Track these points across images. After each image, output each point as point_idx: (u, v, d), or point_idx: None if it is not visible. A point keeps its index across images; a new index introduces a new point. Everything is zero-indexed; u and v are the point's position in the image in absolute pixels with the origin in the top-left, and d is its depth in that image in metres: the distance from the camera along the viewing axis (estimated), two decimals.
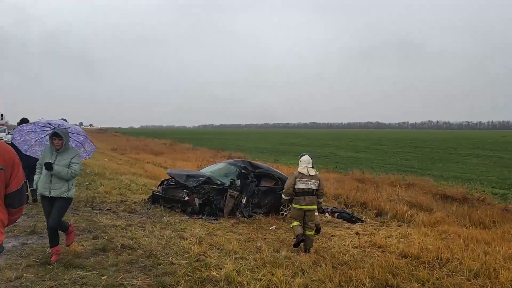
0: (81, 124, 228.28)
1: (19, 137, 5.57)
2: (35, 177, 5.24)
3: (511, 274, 5.54)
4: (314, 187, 7.08)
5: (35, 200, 8.71)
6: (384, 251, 7.06)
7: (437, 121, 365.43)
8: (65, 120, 5.99)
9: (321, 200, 7.37)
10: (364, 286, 5.01)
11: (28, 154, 5.74)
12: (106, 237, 6.32)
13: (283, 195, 7.38)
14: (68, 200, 5.27)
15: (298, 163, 7.42)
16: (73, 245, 5.61)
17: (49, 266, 4.79)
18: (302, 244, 7.00)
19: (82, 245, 5.80)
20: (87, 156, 6.07)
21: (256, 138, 72.73)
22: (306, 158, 7.31)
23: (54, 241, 5.12)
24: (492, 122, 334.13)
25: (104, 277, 4.66)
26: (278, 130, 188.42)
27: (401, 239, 7.88)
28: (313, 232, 7.20)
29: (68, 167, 5.12)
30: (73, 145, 5.74)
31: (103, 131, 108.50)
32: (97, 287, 4.31)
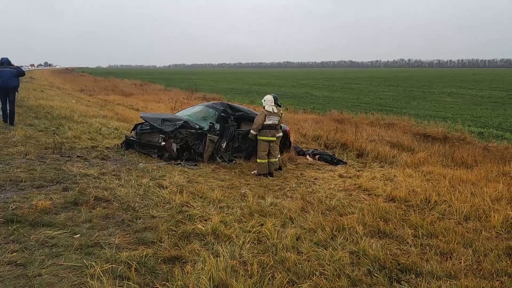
0: (46, 64, 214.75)
1: None
2: None
3: (502, 216, 5.45)
4: (277, 122, 8.39)
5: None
6: (370, 194, 6.90)
7: (409, 60, 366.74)
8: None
9: (280, 134, 8.66)
10: (357, 234, 4.78)
11: None
12: (78, 188, 5.76)
13: (252, 130, 8.42)
14: None
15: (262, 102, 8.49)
16: (41, 200, 5.06)
17: (13, 226, 4.26)
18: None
19: (51, 199, 5.25)
20: None
21: (230, 78, 71.23)
22: (270, 97, 8.47)
23: None
24: (462, 60, 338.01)
25: (77, 235, 4.20)
26: (252, 70, 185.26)
27: (386, 181, 7.73)
28: (276, 160, 8.46)
29: None
30: None
31: (69, 71, 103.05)
32: (69, 249, 3.85)
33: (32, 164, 7.15)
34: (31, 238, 4.03)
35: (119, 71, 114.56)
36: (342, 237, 4.69)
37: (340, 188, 7.27)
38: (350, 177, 8.24)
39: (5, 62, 11.21)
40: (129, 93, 30.74)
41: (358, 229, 4.91)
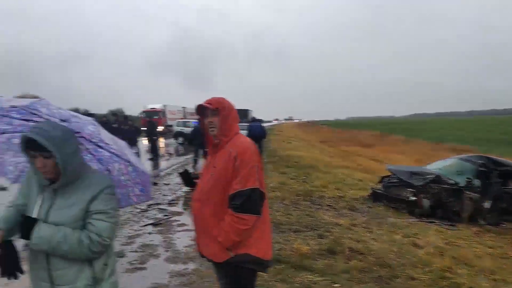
0: (289, 118, 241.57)
1: None
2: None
3: None
4: None
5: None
6: None
7: None
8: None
9: None
10: None
11: None
12: (332, 237, 5.91)
13: None
14: None
15: None
16: (300, 244, 5.39)
17: (279, 265, 4.64)
18: None
19: (308, 244, 5.53)
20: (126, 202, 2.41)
21: (481, 127, 63.00)
22: None
23: None
24: None
25: (337, 285, 4.20)
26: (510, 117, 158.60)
27: None
28: None
29: (84, 225, 1.95)
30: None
31: (310, 124, 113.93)
32: None
33: (288, 209, 7.83)
34: (296, 279, 4.26)
35: (356, 123, 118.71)
36: None
37: None
38: None
39: (254, 119, 18.03)
40: (368, 144, 31.11)
41: None
